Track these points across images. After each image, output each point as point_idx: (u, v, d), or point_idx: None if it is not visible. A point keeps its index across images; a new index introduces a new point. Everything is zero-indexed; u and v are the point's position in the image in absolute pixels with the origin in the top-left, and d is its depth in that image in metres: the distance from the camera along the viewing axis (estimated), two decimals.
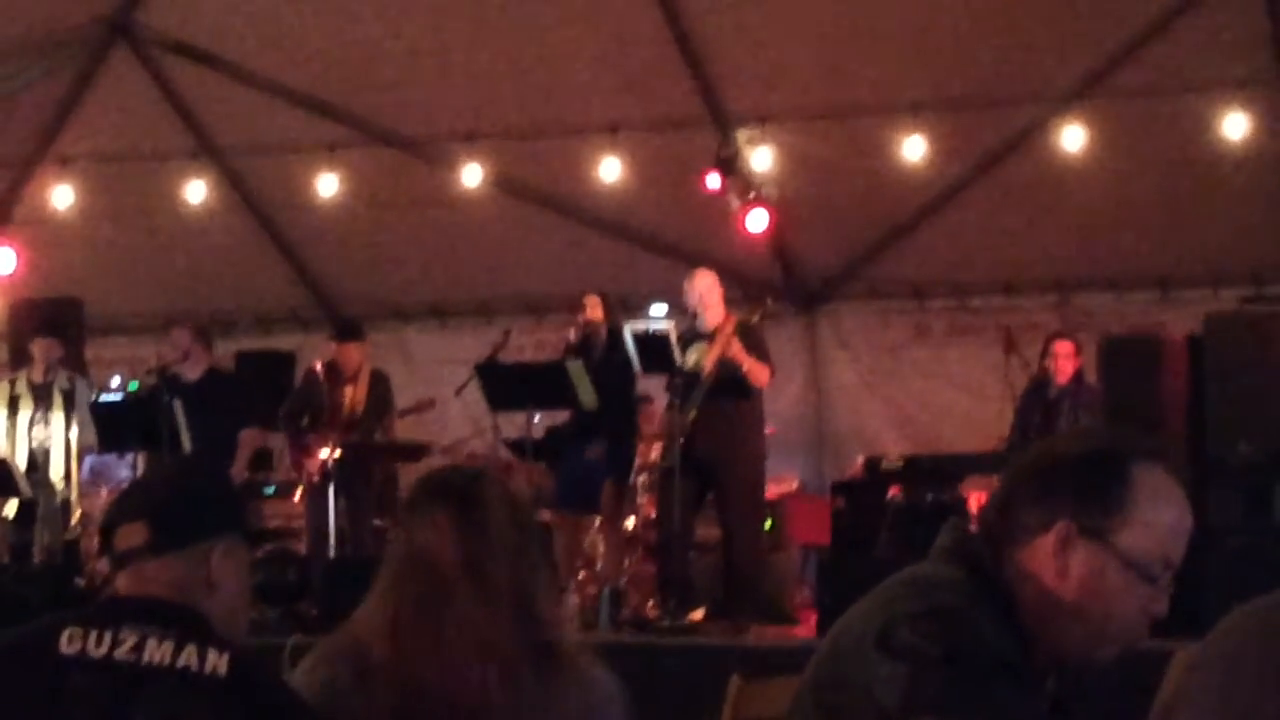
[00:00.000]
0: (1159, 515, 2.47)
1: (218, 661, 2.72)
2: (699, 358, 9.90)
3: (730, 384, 9.81)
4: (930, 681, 2.31)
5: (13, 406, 11.31)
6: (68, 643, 2.73)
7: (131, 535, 2.87)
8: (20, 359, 12.30)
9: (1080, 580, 2.45)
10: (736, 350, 9.77)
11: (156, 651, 2.72)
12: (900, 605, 2.42)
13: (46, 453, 11.21)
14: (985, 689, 2.31)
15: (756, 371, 9.87)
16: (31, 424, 11.25)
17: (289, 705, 2.83)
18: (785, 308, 13.09)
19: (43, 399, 11.29)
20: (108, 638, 2.73)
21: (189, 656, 2.72)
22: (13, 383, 11.47)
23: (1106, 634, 2.49)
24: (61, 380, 11.42)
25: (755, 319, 10.21)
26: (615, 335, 10.63)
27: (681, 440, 9.69)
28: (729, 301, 10.29)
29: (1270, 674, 2.24)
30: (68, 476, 11.28)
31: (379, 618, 3.10)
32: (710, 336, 9.95)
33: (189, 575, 2.86)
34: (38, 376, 11.36)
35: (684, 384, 9.84)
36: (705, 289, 10.10)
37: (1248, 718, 2.23)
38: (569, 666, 3.19)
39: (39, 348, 11.48)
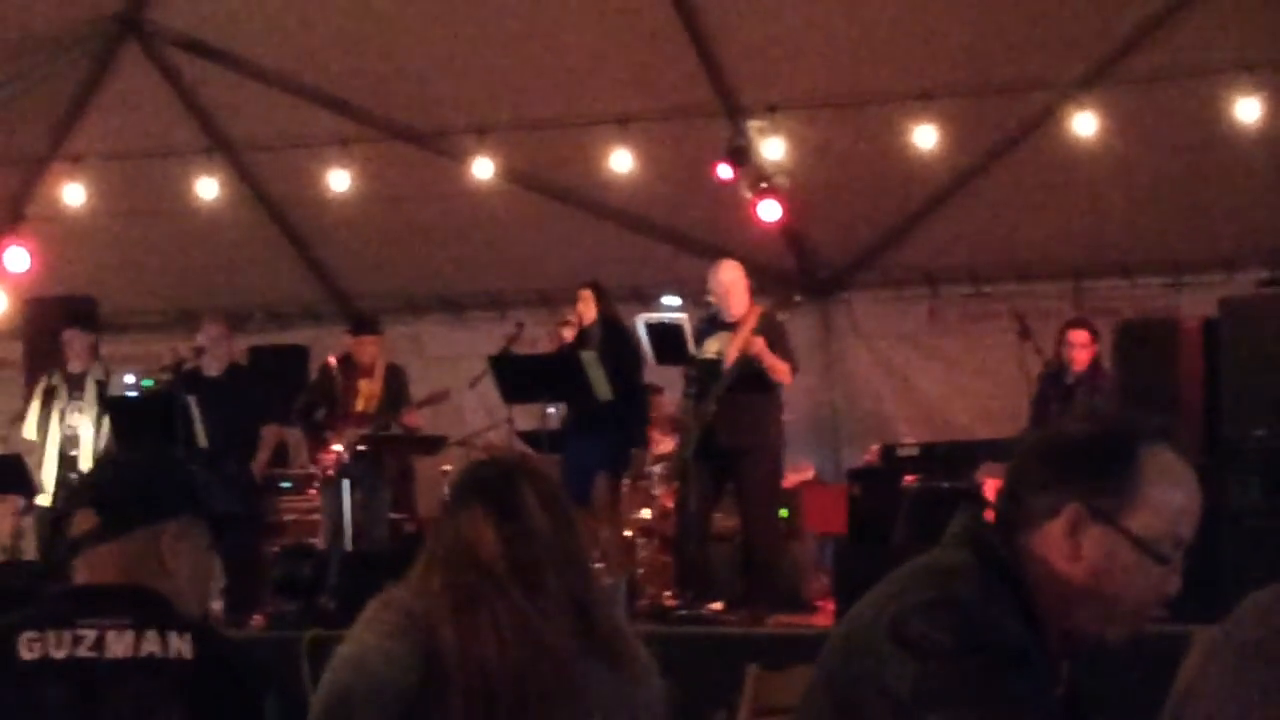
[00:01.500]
0: (1168, 495, 2.46)
1: (181, 644, 2.70)
2: (721, 347, 9.87)
3: (752, 377, 9.78)
4: (942, 672, 2.31)
5: (47, 397, 11.31)
6: (27, 649, 2.69)
7: (82, 522, 2.86)
8: (36, 357, 12.31)
9: (1092, 563, 2.45)
10: (760, 349, 9.71)
11: (118, 643, 2.69)
12: (912, 594, 2.42)
13: (77, 442, 11.18)
14: (997, 678, 2.31)
15: (780, 371, 9.83)
16: (64, 414, 11.23)
17: (257, 676, 2.82)
18: (799, 297, 13.06)
19: (76, 388, 11.28)
20: (67, 637, 2.69)
21: (152, 643, 2.69)
22: (49, 375, 11.45)
23: (1119, 615, 2.48)
24: (97, 371, 11.42)
25: (782, 316, 10.16)
26: (610, 327, 10.57)
27: (700, 431, 9.68)
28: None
29: None
30: None
31: (441, 606, 3.13)
32: (733, 327, 9.92)
33: (140, 558, 2.83)
34: (74, 367, 11.37)
35: (703, 374, 9.82)
36: (731, 280, 10.04)
37: (1267, 702, 2.22)
38: (621, 661, 3.20)
39: (68, 338, 11.44)
